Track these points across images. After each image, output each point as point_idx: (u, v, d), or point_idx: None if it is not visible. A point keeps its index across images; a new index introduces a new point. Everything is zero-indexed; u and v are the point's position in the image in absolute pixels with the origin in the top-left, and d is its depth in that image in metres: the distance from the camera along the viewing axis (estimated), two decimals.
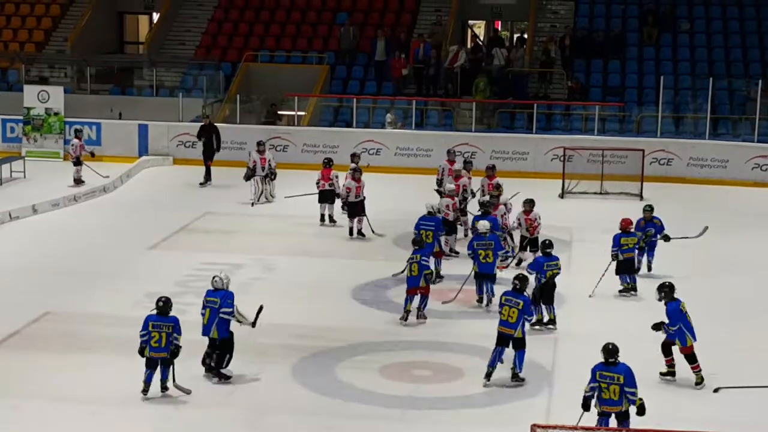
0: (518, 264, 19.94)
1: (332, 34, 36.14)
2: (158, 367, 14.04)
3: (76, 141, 27.44)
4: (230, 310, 14.51)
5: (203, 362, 14.77)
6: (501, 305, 14.63)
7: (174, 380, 14.02)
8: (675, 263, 20.98)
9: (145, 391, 13.99)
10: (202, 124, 28.86)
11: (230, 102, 33.00)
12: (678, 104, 32.31)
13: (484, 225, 18.31)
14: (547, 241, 17.33)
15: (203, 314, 14.64)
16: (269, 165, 25.75)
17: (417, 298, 17.19)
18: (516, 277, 14.85)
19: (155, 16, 38.96)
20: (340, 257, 21.33)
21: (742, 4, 35.80)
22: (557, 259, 17.19)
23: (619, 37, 34.94)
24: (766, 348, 16.23)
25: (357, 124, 31.96)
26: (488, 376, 14.51)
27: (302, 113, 32.95)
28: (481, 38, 39.92)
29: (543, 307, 16.94)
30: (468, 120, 31.86)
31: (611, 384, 12.38)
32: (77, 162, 27.32)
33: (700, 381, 14.58)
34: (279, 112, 33.72)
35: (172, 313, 14.15)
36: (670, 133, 31.09)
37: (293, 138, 30.89)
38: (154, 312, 14.15)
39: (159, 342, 13.96)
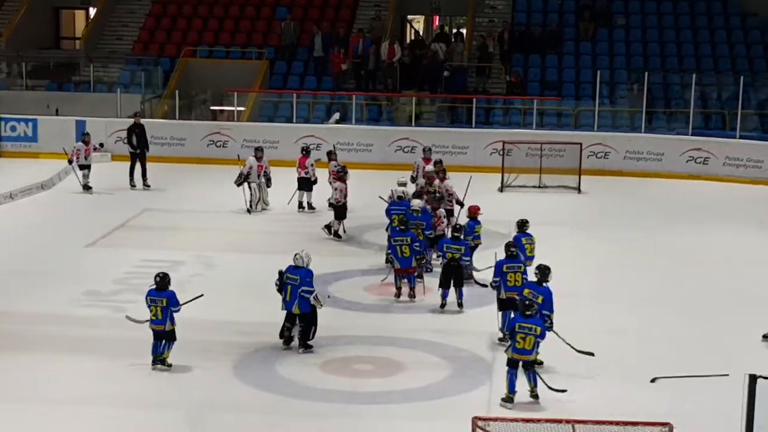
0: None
1: (271, 30, 36.06)
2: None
3: (81, 144, 26.59)
4: (311, 289, 15.34)
5: (281, 335, 15.59)
6: (515, 333, 13.64)
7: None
8: (611, 255, 21.27)
9: (153, 362, 14.72)
10: (133, 123, 28.14)
11: (169, 98, 32.84)
12: (614, 98, 32.66)
13: (417, 203, 18.74)
14: (457, 225, 17.94)
15: (285, 290, 15.39)
16: (265, 172, 24.71)
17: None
18: (522, 302, 14.08)
19: (92, 11, 38.60)
20: (281, 253, 21.24)
21: None
22: (464, 244, 17.58)
23: (556, 32, 35.22)
24: (699, 338, 16.45)
25: (297, 119, 31.94)
26: (511, 400, 13.63)
27: (242, 109, 32.87)
28: (421, 33, 40.07)
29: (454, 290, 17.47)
30: (407, 114, 31.98)
31: (528, 334, 13.37)
32: (83, 166, 26.47)
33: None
34: (217, 108, 33.70)
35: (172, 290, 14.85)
36: (607, 126, 31.41)
37: (233, 133, 30.80)
38: (153, 287, 14.77)
39: (156, 315, 14.63)
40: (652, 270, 20.39)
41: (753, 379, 10.23)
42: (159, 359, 14.78)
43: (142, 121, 28.57)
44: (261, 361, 15.21)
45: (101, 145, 27.45)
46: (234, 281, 19.25)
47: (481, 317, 17.14)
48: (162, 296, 14.67)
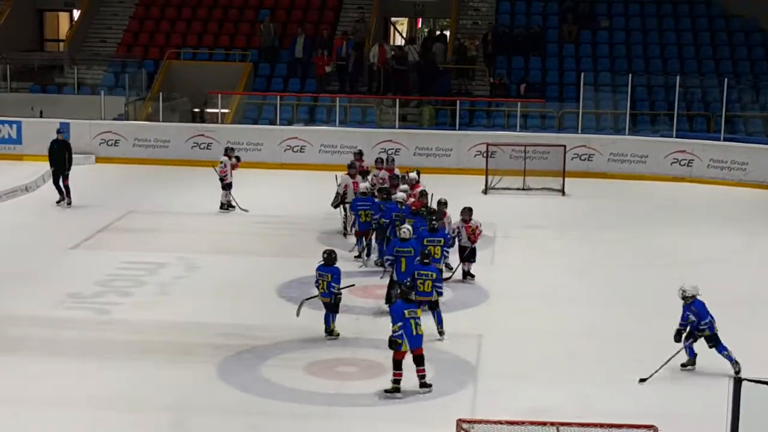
0: (464, 278, 19.25)
1: (255, 32, 36.06)
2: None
3: (225, 159, 24.99)
4: (338, 286, 16.09)
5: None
6: (415, 279, 15.93)
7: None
8: (594, 257, 21.29)
9: (326, 331, 16.04)
10: (55, 139, 25.90)
11: (153, 100, 32.79)
12: (598, 100, 32.72)
13: (407, 230, 17.50)
14: (426, 251, 16.91)
15: (317, 285, 16.23)
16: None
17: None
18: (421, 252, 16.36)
19: (76, 14, 38.57)
20: (264, 255, 21.30)
21: (660, 1, 36.33)
22: (434, 270, 16.66)
23: (539, 34, 35.27)
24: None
25: (281, 121, 31.92)
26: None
27: (226, 111, 32.86)
28: (404, 35, 40.13)
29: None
30: (391, 117, 31.99)
31: (426, 280, 15.81)
32: (226, 186, 24.82)
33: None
34: (199, 110, 33.66)
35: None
36: (591, 129, 31.45)
37: (217, 135, 30.77)
38: (321, 263, 16.16)
39: (323, 288, 16.01)
40: (636, 272, 20.41)
41: (738, 382, 10.23)
42: (328, 330, 16.04)
43: (126, 123, 28.54)
44: (245, 363, 15.18)
45: (238, 159, 25.43)
46: (217, 283, 19.21)
47: (463, 320, 17.14)
48: (328, 271, 15.99)
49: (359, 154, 24.78)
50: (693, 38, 35.21)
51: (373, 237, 20.32)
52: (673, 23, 35.75)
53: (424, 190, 20.98)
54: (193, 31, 36.57)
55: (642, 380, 14.59)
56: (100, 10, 37.74)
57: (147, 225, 23.69)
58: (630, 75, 31.44)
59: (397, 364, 13.97)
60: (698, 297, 14.95)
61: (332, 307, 16.07)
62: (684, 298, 14.96)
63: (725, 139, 29.99)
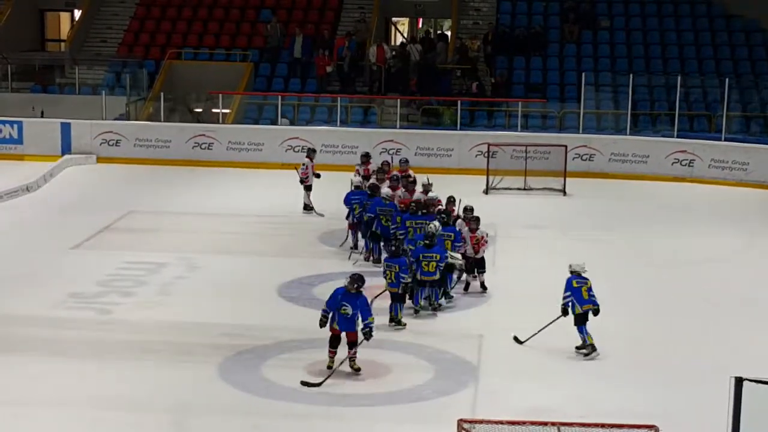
0: (465, 290, 18.66)
1: (256, 32, 36.06)
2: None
3: (307, 160, 24.66)
4: (406, 276, 16.74)
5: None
6: (420, 261, 17.08)
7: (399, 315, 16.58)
8: (595, 257, 21.27)
9: (391, 320, 16.66)
10: None
11: (154, 100, 32.80)
12: (599, 100, 32.71)
13: (435, 226, 17.75)
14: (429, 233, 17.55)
15: (385, 276, 16.88)
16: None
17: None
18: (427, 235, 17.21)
19: (77, 14, 38.58)
20: (265, 255, 21.30)
21: (661, 1, 36.33)
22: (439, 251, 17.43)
23: (540, 34, 35.27)
24: (678, 340, 16.46)
25: (282, 121, 31.91)
26: (417, 312, 17.25)
27: (227, 111, 32.86)
28: (406, 35, 40.12)
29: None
30: (392, 117, 32.00)
31: (431, 261, 16.94)
32: (307, 187, 24.57)
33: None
34: (201, 110, 33.66)
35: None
36: (592, 129, 31.44)
37: (218, 135, 30.77)
38: (388, 256, 17.42)
39: (391, 279, 16.65)
40: (637, 272, 20.40)
41: (739, 381, 10.23)
42: (396, 320, 16.57)
43: (127, 123, 28.54)
44: (245, 363, 15.17)
45: (317, 175, 24.62)
46: (218, 283, 19.20)
47: (464, 320, 17.15)
48: (396, 262, 16.71)
49: (366, 156, 24.66)
50: (694, 38, 35.20)
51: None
52: (674, 23, 35.75)
53: (452, 197, 19.92)
54: (194, 31, 36.58)
55: (517, 340, 15.62)
56: (101, 10, 37.76)
57: (148, 225, 23.69)
58: (631, 75, 31.43)
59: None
60: (582, 274, 15.72)
61: (400, 297, 16.66)
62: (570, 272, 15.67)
63: (726, 139, 29.97)
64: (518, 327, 15.92)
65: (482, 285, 18.73)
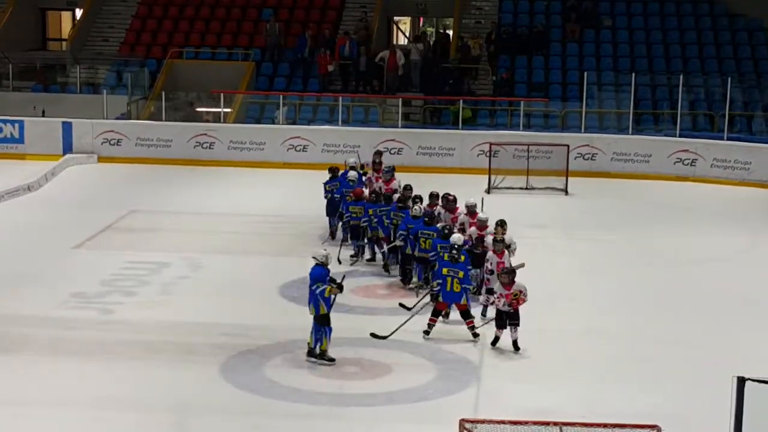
0: (493, 345, 15.89)
1: (257, 31, 36.05)
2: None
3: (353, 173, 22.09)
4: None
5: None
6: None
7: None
8: (597, 256, 21.27)
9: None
10: None
11: (155, 99, 32.79)
12: (601, 100, 32.68)
13: (459, 238, 16.73)
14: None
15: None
16: None
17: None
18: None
19: (78, 13, 38.58)
20: (267, 255, 21.28)
21: (663, 0, 36.30)
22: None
23: (542, 33, 35.25)
24: (681, 340, 16.44)
25: (277, 113, 31.88)
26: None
27: (228, 110, 32.85)
28: (407, 34, 40.09)
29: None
30: (394, 116, 31.98)
31: (428, 239, 17.82)
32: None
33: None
34: (203, 109, 33.65)
35: None
36: (594, 128, 31.41)
37: (219, 135, 30.74)
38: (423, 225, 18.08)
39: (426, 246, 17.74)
40: (638, 271, 20.38)
41: (741, 381, 10.21)
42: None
43: (128, 122, 28.52)
44: (247, 363, 15.16)
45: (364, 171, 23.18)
46: (219, 283, 19.19)
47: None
48: (431, 230, 17.81)
49: (378, 154, 24.12)
50: (696, 37, 35.16)
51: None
52: (676, 22, 35.71)
53: (502, 221, 18.24)
54: (196, 30, 36.57)
55: (375, 336, 15.91)
56: (102, 9, 37.74)
57: (149, 224, 23.67)
58: (633, 74, 31.39)
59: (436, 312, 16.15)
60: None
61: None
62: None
63: (728, 139, 29.93)
64: (520, 327, 15.83)
65: (515, 344, 15.63)
